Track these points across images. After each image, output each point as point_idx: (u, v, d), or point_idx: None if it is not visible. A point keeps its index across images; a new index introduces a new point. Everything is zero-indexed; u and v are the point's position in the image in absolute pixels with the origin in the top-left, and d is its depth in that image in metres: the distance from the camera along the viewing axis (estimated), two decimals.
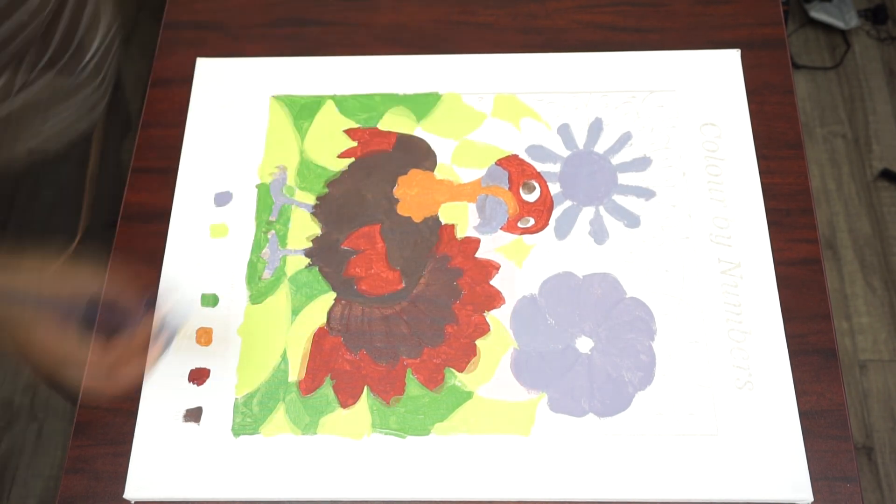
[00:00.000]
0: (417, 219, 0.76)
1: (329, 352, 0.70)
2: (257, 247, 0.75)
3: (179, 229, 0.76)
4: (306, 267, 0.74)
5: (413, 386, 0.69)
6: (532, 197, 0.77)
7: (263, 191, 0.78)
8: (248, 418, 0.68)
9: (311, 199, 0.77)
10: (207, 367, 0.70)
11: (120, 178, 0.78)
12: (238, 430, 0.67)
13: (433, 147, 0.79)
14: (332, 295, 0.73)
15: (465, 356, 0.70)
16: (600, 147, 0.79)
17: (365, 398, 0.68)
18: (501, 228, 0.75)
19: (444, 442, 0.67)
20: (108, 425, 0.69)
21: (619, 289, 0.72)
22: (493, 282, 0.73)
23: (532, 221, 0.76)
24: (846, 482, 0.65)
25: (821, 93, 1.82)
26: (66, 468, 0.68)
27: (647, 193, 0.77)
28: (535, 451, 0.66)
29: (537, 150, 0.79)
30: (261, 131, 0.81)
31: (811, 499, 0.64)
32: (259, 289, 0.73)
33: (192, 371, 0.70)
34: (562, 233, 0.75)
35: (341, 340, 0.71)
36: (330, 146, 0.80)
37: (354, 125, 0.81)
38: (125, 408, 0.69)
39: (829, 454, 0.66)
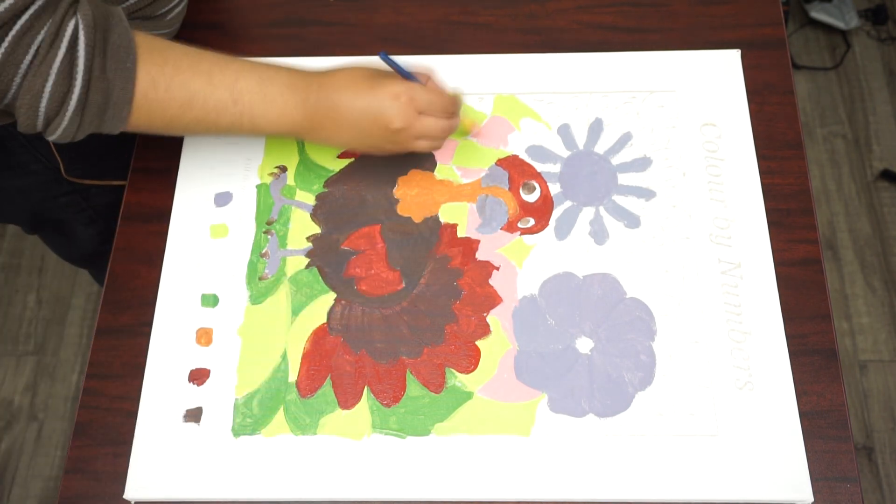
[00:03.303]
0: (417, 219, 0.76)
1: (329, 352, 0.70)
2: (257, 247, 0.75)
3: (179, 229, 0.76)
4: (306, 267, 0.74)
5: (413, 386, 0.69)
6: (532, 197, 0.77)
7: (263, 191, 0.78)
8: (249, 419, 0.68)
9: (310, 200, 0.77)
10: (207, 368, 0.70)
11: None
12: (238, 431, 0.67)
13: None
14: (332, 295, 0.73)
15: (465, 356, 0.70)
16: (600, 147, 0.79)
17: (365, 399, 0.68)
18: (501, 229, 0.75)
19: (444, 442, 0.67)
20: (108, 425, 0.69)
21: (619, 289, 0.72)
22: (493, 282, 0.73)
23: (532, 222, 0.76)
24: (846, 482, 0.65)
25: (821, 93, 1.82)
26: (66, 468, 0.68)
27: (647, 194, 0.76)
28: (535, 451, 0.66)
29: (537, 151, 0.79)
30: None
31: (811, 499, 0.64)
32: (259, 289, 0.73)
33: (192, 371, 0.70)
34: (562, 233, 0.75)
35: (341, 340, 0.71)
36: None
37: None
38: (125, 408, 0.69)
39: (829, 454, 0.66)
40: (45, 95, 0.59)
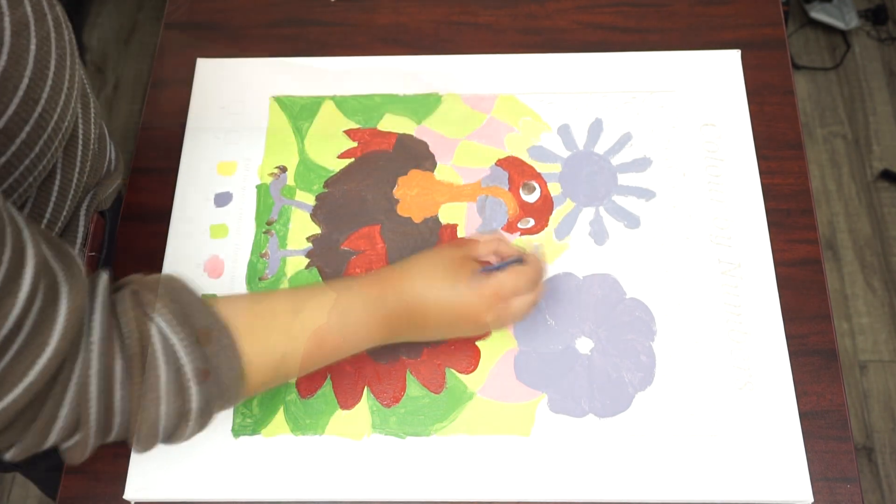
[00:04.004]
0: (417, 219, 0.76)
1: None
2: (257, 247, 0.75)
3: (179, 229, 0.76)
4: (306, 267, 0.74)
5: (413, 387, 0.69)
6: (532, 198, 0.77)
7: (263, 191, 0.78)
8: (249, 419, 0.68)
9: (310, 200, 0.77)
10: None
11: None
12: (238, 431, 0.67)
13: (433, 148, 0.79)
14: None
15: (465, 356, 0.70)
16: (600, 147, 0.79)
17: (365, 399, 0.68)
18: (502, 229, 0.75)
19: (444, 443, 0.67)
20: None
21: (619, 289, 0.72)
22: None
23: (532, 222, 0.76)
24: (846, 483, 0.65)
25: (821, 93, 1.82)
26: (66, 468, 0.68)
27: (647, 194, 0.76)
28: (536, 451, 0.66)
29: (537, 151, 0.79)
30: (261, 131, 0.81)
31: (811, 499, 0.64)
32: (259, 289, 0.73)
33: None
34: (562, 233, 0.75)
35: None
36: (330, 146, 0.80)
37: (354, 126, 0.81)
38: None
39: (829, 455, 0.66)
40: (163, 419, 0.52)
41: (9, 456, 0.50)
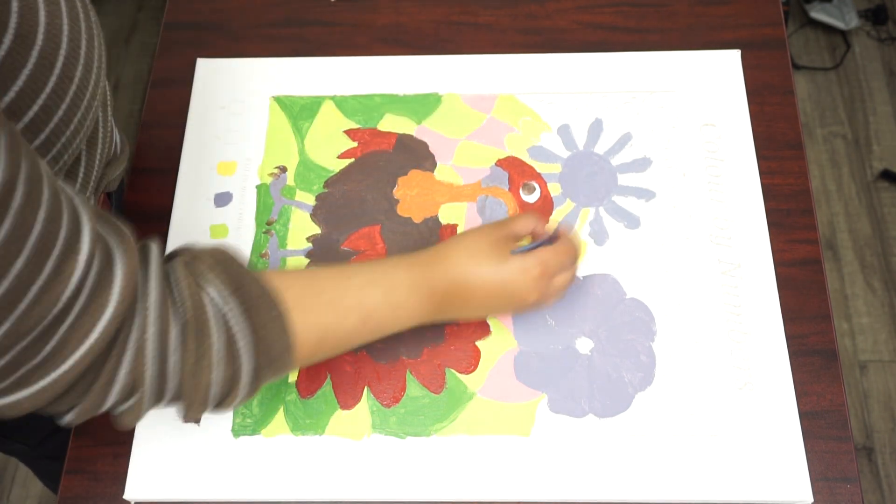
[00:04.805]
0: (417, 219, 0.76)
1: None
2: (257, 247, 0.75)
3: (179, 229, 0.76)
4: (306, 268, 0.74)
5: (413, 386, 0.69)
6: (532, 198, 0.77)
7: (263, 191, 0.78)
8: (249, 419, 0.68)
9: (310, 200, 0.77)
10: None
11: None
12: (238, 431, 0.67)
13: (433, 148, 0.79)
14: None
15: (465, 356, 0.70)
16: (600, 148, 0.79)
17: (365, 399, 0.68)
18: None
19: (444, 443, 0.67)
20: (108, 425, 0.69)
21: (619, 289, 0.72)
22: None
23: None
24: (846, 483, 0.65)
25: (821, 93, 1.82)
26: (66, 468, 0.68)
27: (647, 194, 0.76)
28: (536, 451, 0.66)
29: (537, 151, 0.79)
30: (261, 131, 0.81)
31: (811, 499, 0.64)
32: None
33: None
34: None
35: None
36: (330, 146, 0.80)
37: (354, 126, 0.81)
38: None
39: (829, 455, 0.66)
40: (214, 386, 0.53)
41: (66, 420, 0.51)
